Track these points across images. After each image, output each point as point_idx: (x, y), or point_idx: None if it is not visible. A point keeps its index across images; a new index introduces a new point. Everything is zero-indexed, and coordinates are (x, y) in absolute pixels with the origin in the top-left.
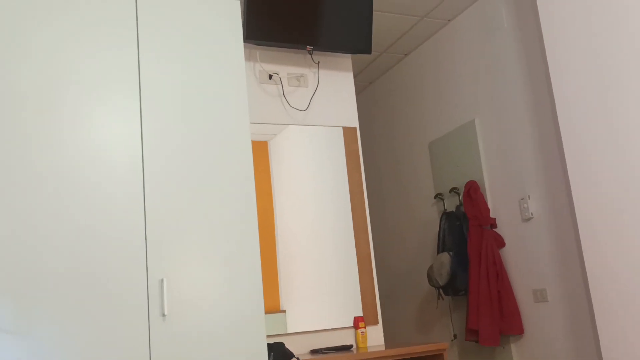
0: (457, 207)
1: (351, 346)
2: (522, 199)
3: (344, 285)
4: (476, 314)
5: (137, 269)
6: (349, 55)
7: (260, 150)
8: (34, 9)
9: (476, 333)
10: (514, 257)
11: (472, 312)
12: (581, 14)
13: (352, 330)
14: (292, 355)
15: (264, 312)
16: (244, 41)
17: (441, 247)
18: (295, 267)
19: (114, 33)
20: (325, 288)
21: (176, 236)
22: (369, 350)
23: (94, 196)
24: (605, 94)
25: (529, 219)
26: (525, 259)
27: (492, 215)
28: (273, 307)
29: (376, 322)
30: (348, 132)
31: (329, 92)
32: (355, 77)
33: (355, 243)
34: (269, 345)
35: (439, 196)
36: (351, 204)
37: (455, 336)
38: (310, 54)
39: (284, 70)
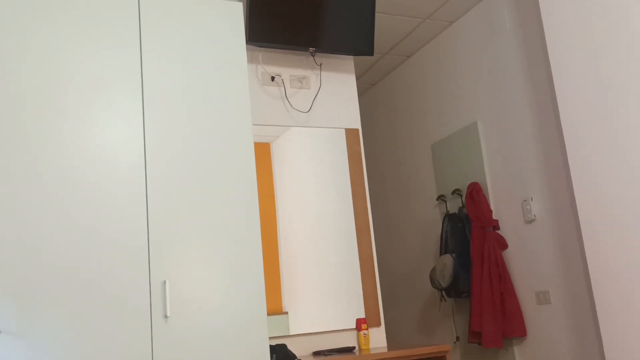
0: (460, 209)
1: (353, 348)
2: (525, 200)
3: (347, 286)
4: (479, 316)
5: (139, 270)
6: (351, 57)
7: (263, 152)
8: (34, 8)
9: (479, 335)
10: (516, 259)
11: (475, 314)
12: (583, 15)
13: (355, 332)
14: (294, 357)
15: (266, 313)
16: (247, 43)
17: (444, 249)
18: (298, 269)
19: (117, 33)
20: (328, 289)
21: (178, 237)
22: (372, 352)
23: (95, 197)
24: (608, 95)
25: (531, 221)
26: (528, 261)
27: (494, 217)
28: (275, 308)
29: (378, 324)
30: (350, 133)
31: (331, 93)
32: (357, 78)
33: (358, 245)
34: (271, 347)
35: (441, 198)
36: (353, 206)
37: (457, 338)
38: (313, 56)
39: (286, 72)
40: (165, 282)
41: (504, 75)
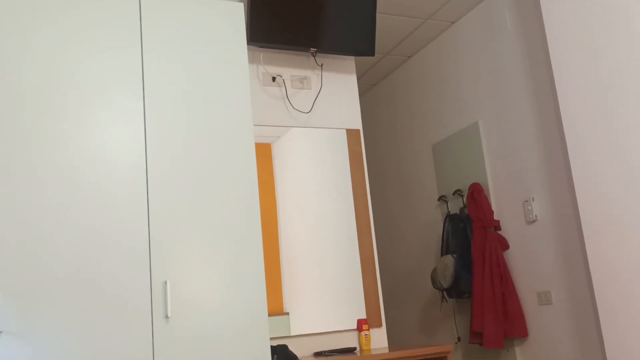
0: (461, 209)
1: (355, 348)
2: (526, 201)
3: (348, 287)
4: (480, 316)
5: (140, 271)
6: (353, 57)
7: (264, 153)
8: (35, 9)
9: (480, 336)
10: (518, 260)
11: (476, 315)
12: (584, 15)
13: (356, 332)
14: (295, 357)
15: (267, 314)
16: (248, 43)
17: (445, 250)
18: (299, 269)
19: (117, 33)
20: (329, 290)
21: (179, 238)
22: (373, 352)
23: (95, 197)
24: (610, 96)
25: (533, 221)
26: (530, 262)
27: (496, 217)
28: (276, 309)
29: (380, 325)
30: (351, 134)
31: (332, 94)
32: (358, 79)
33: (359, 245)
34: (272, 347)
35: (442, 198)
36: (354, 206)
37: (459, 339)
38: (314, 56)
39: (287, 73)
40: (166, 282)
41: (504, 76)
